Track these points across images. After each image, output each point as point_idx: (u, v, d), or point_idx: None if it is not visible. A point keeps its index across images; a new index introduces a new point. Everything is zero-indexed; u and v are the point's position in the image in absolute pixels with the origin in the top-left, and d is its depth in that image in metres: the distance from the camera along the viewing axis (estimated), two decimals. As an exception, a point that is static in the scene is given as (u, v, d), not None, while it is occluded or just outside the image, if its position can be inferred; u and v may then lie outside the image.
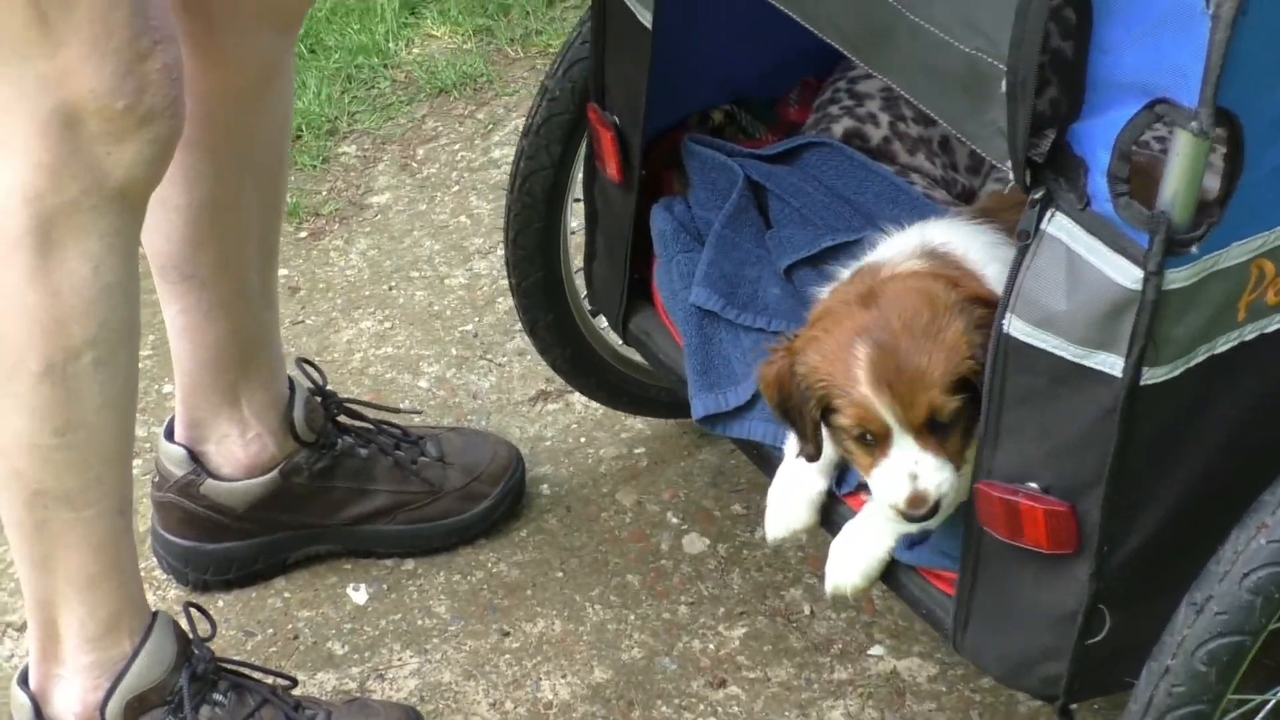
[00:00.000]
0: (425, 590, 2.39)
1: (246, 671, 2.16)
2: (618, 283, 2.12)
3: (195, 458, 2.32)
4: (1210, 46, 1.34)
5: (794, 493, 1.87)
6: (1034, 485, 1.61)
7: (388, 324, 2.82)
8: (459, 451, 2.42)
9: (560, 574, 2.40)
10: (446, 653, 2.31)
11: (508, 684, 2.27)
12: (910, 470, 1.70)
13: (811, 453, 1.78)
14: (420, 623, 2.35)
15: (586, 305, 2.34)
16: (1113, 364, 1.51)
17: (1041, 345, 1.54)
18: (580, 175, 2.23)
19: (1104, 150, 1.45)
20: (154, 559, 2.41)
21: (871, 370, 1.68)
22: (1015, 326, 1.55)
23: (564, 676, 2.27)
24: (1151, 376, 1.50)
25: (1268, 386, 1.57)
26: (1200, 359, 1.52)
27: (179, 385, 2.30)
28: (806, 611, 2.33)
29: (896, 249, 1.80)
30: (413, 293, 2.88)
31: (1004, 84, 1.46)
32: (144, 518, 2.43)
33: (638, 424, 2.59)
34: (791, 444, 1.86)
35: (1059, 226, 1.51)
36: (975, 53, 1.49)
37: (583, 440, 2.57)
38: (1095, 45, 1.44)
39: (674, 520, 2.45)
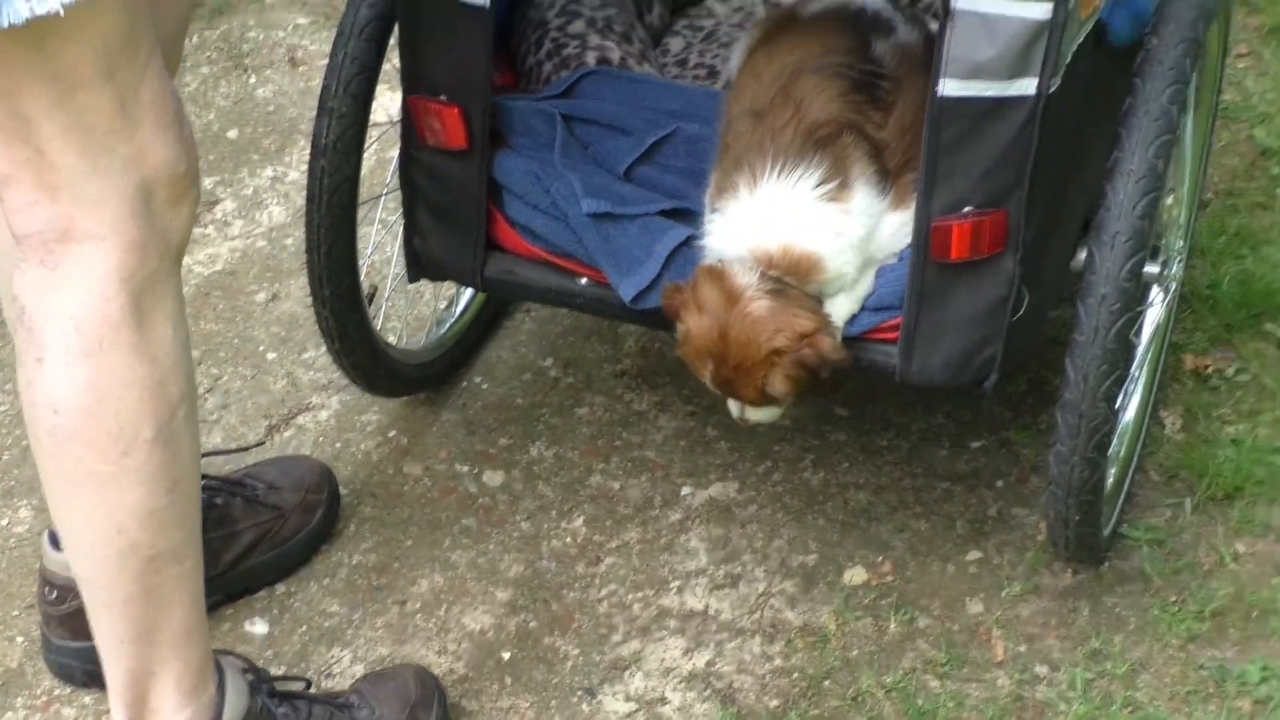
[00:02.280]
0: (311, 601, 2.60)
1: (283, 684, 2.32)
2: (470, 242, 2.46)
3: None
4: None
5: None
6: (968, 208, 2.22)
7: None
8: (282, 474, 2.64)
9: (409, 542, 2.68)
10: (367, 635, 2.55)
11: (435, 634, 2.55)
12: (740, 409, 2.36)
13: None
14: (327, 624, 2.56)
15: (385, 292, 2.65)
16: (1027, 85, 2.11)
17: (970, 94, 2.14)
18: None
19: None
20: (54, 676, 2.45)
21: (714, 383, 2.31)
22: (948, 88, 2.14)
23: (475, 609, 2.59)
24: (1052, 86, 2.16)
25: (1082, 83, 2.28)
26: (1065, 65, 2.20)
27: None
28: (616, 488, 2.77)
29: (741, 257, 2.26)
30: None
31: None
32: (10, 640, 2.45)
33: (372, 417, 2.89)
34: None
35: (966, 2, 2.13)
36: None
37: (339, 445, 2.83)
38: None
39: (463, 469, 2.80)
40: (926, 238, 2.22)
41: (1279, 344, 2.97)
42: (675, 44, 2.83)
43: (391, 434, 2.86)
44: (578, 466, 2.80)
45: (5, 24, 1.75)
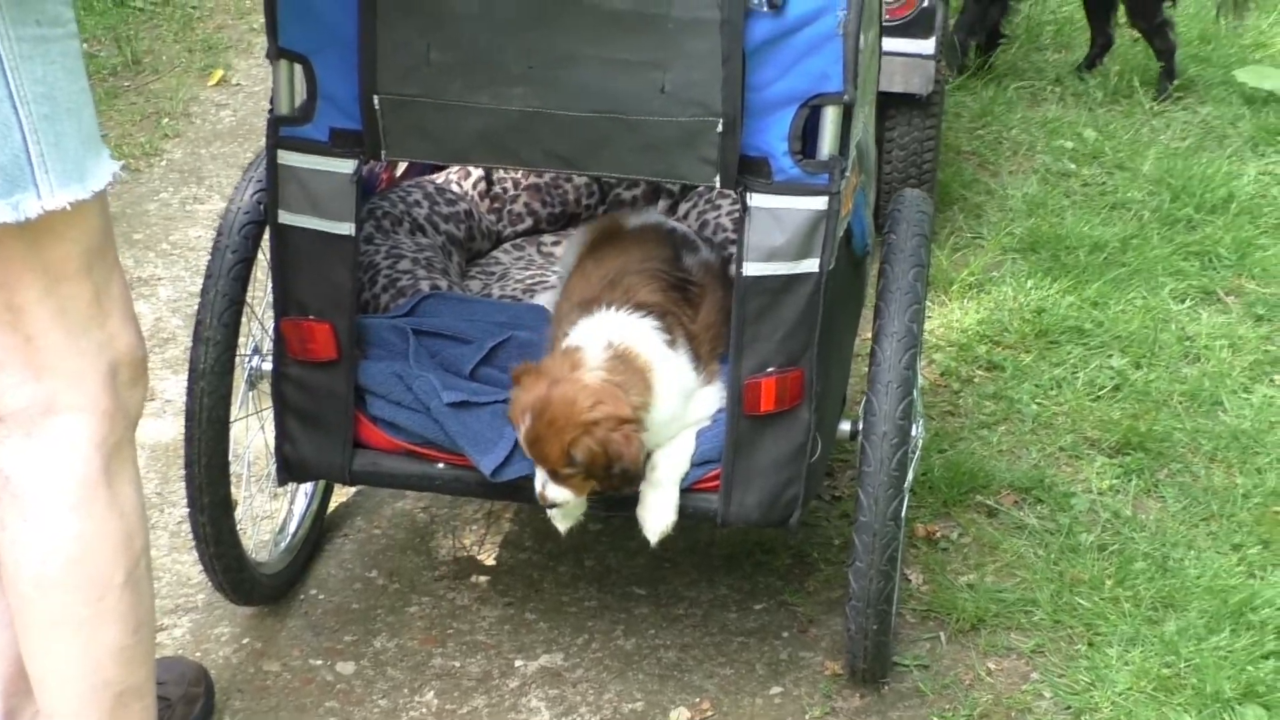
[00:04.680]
0: (202, 778, 2.86)
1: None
2: (338, 442, 2.82)
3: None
4: (844, 52, 2.59)
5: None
6: (771, 368, 2.72)
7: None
8: (165, 670, 2.89)
9: (282, 723, 2.98)
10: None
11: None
12: (542, 484, 2.72)
13: None
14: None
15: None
16: (812, 264, 2.64)
17: (767, 272, 2.64)
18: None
19: (781, 142, 2.63)
20: None
21: (526, 436, 2.68)
22: (749, 268, 2.64)
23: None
24: (827, 264, 2.70)
25: (840, 273, 2.81)
26: (835, 249, 2.74)
27: (0, 675, 2.60)
28: (458, 665, 3.12)
29: (594, 344, 2.71)
30: None
31: (719, 128, 2.60)
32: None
33: (224, 629, 3.17)
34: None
35: (759, 200, 2.61)
36: (692, 119, 2.59)
37: (198, 654, 3.10)
38: (750, 88, 2.61)
39: (316, 662, 3.11)
40: (739, 394, 2.71)
41: (989, 512, 3.54)
42: (475, 286, 3.30)
43: (245, 640, 3.15)
44: (419, 653, 3.14)
45: (22, 218, 2.11)
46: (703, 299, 2.89)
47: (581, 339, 2.75)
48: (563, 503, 2.75)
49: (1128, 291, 4.41)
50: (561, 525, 2.83)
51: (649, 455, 2.77)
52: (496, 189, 3.48)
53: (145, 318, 4.16)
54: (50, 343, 2.21)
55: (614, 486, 2.74)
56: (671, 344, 2.76)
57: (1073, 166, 5.23)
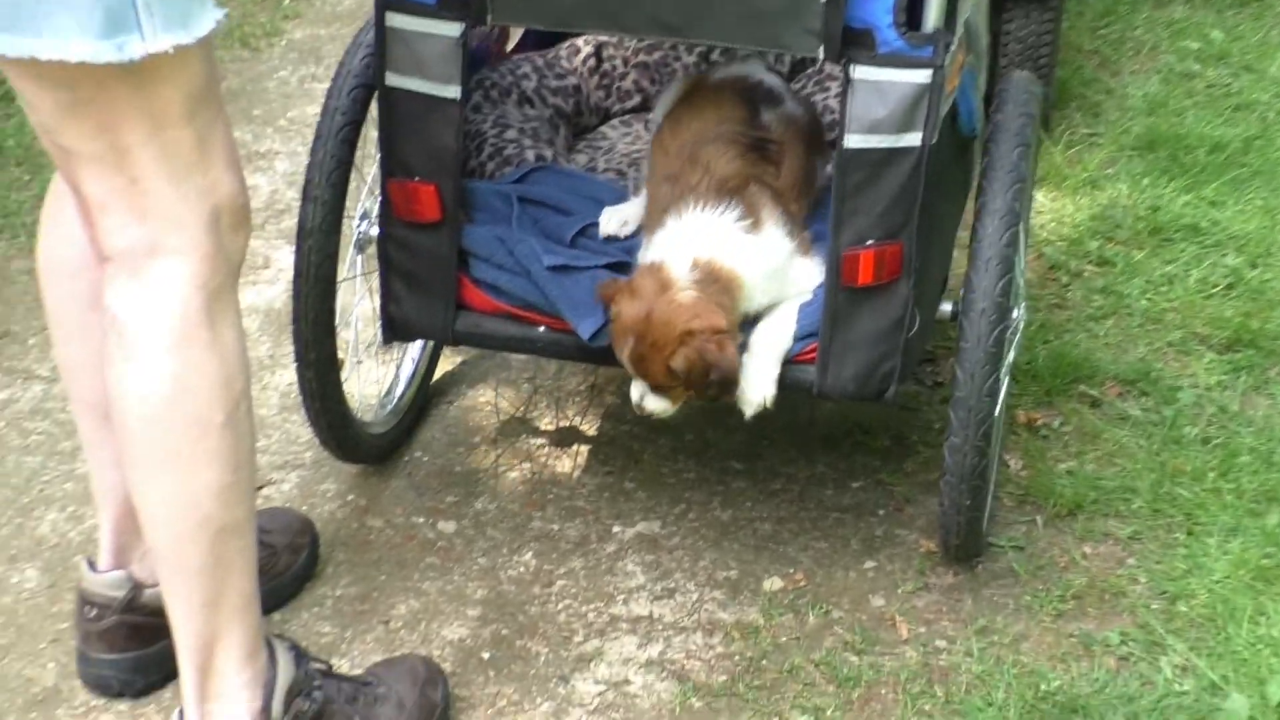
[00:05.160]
0: (305, 625, 2.93)
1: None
2: (442, 302, 2.87)
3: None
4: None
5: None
6: (870, 241, 2.73)
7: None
8: (271, 520, 2.98)
9: (383, 577, 3.04)
10: (360, 648, 2.89)
11: (419, 644, 2.90)
12: (640, 396, 2.78)
13: None
14: (323, 641, 2.90)
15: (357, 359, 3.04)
16: (913, 138, 2.64)
17: (869, 145, 2.65)
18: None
19: (886, 14, 2.62)
20: (90, 689, 2.74)
21: (630, 355, 2.73)
22: (851, 141, 2.65)
23: (451, 624, 2.95)
24: (930, 140, 2.70)
25: (944, 150, 2.81)
26: (939, 125, 2.74)
27: (109, 514, 2.69)
28: (556, 529, 3.18)
29: (678, 257, 2.73)
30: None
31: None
32: (43, 666, 2.75)
33: (330, 486, 3.25)
34: None
35: (862, 72, 2.62)
36: (796, -14, 2.61)
37: (304, 508, 3.17)
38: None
39: (419, 520, 3.18)
40: (838, 266, 2.72)
41: (1092, 403, 3.52)
42: (580, 159, 3.33)
43: (350, 497, 3.22)
44: (519, 515, 3.19)
45: (126, 59, 2.16)
46: (783, 155, 2.89)
47: (665, 254, 2.77)
48: (660, 412, 2.81)
49: (1247, 192, 4.36)
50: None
51: (750, 327, 2.80)
52: (605, 66, 3.49)
53: (261, 190, 4.24)
54: (154, 186, 2.26)
55: (711, 396, 2.78)
56: (756, 225, 2.77)
57: (1197, 67, 5.16)
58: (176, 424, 2.32)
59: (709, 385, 2.73)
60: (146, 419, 2.32)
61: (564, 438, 3.39)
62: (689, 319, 2.69)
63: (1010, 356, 2.97)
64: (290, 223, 4.04)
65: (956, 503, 2.87)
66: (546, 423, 3.44)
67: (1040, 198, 4.26)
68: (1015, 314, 2.97)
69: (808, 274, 2.84)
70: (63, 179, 2.36)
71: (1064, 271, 4.01)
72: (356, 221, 3.04)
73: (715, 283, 2.73)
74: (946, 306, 2.97)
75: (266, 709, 2.49)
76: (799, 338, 2.80)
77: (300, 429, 3.34)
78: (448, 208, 2.82)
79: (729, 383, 2.74)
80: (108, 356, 2.34)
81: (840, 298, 2.74)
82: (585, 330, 2.79)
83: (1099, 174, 4.43)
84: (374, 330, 3.06)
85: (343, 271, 2.99)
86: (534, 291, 2.84)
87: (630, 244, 2.91)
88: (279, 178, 4.33)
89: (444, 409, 3.47)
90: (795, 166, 2.90)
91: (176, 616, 2.43)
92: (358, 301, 3.19)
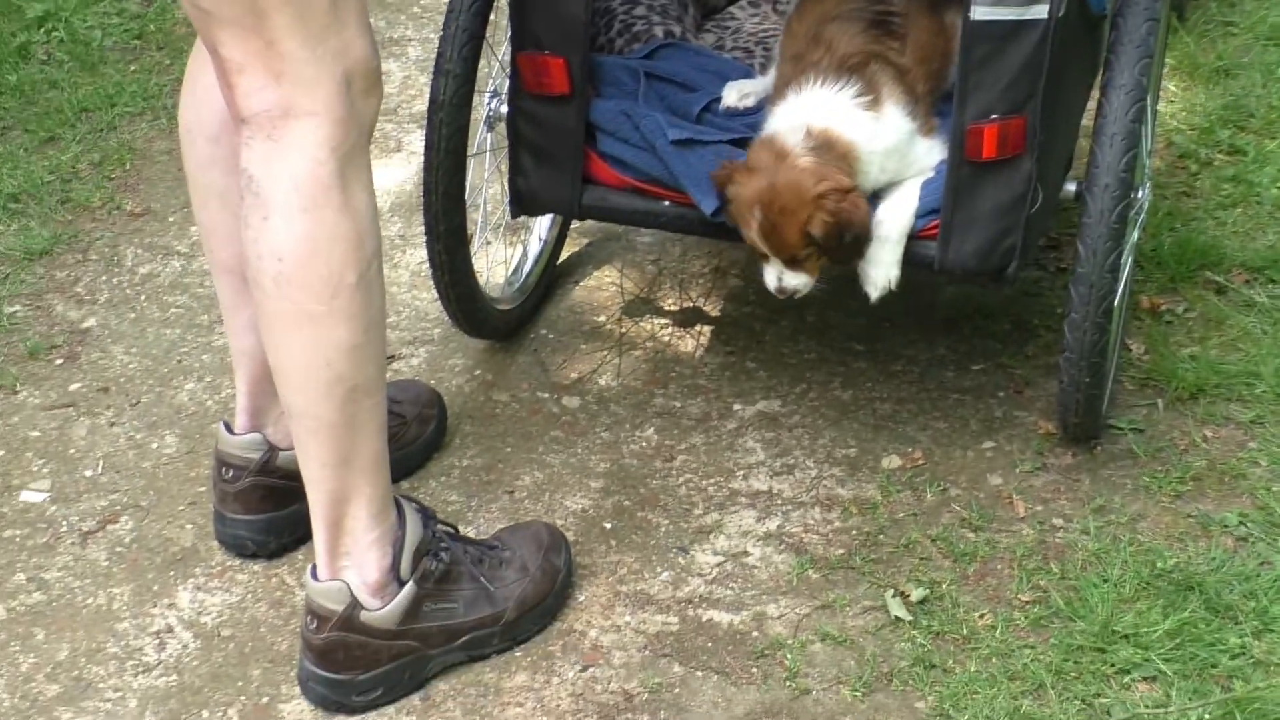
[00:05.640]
0: (432, 493, 3.01)
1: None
2: (569, 176, 2.92)
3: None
4: None
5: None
6: (995, 115, 2.74)
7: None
8: (401, 391, 3.06)
9: (508, 449, 3.11)
10: (485, 517, 2.97)
11: (543, 513, 2.97)
12: (777, 276, 2.80)
13: None
14: (450, 510, 2.98)
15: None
16: (1040, 10, 2.65)
17: (996, 17, 2.65)
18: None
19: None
20: (225, 550, 2.84)
21: (759, 229, 2.74)
22: (977, 12, 2.65)
23: (574, 495, 3.01)
24: (1057, 12, 2.70)
25: (1073, 26, 2.80)
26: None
27: (245, 378, 2.78)
28: (678, 406, 3.23)
29: (792, 128, 2.76)
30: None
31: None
32: (181, 527, 2.84)
33: (457, 361, 3.32)
34: None
35: None
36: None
37: (432, 381, 3.24)
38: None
39: (544, 395, 3.24)
40: (961, 140, 2.73)
41: (1218, 289, 3.51)
42: (708, 39, 3.35)
43: (477, 372, 3.30)
44: (641, 392, 3.25)
45: None
46: (908, 29, 2.90)
47: (779, 126, 2.79)
48: (801, 288, 2.83)
49: (1388, 83, 4.29)
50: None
51: (873, 206, 2.82)
52: (736, -52, 3.51)
53: (395, 75, 4.30)
54: (289, 48, 2.31)
55: (847, 258, 2.80)
56: (875, 103, 2.78)
57: (1338, -43, 5.06)
58: (309, 284, 2.39)
59: (844, 248, 2.75)
60: (281, 278, 2.38)
61: (687, 318, 3.44)
62: (816, 182, 2.70)
63: (1134, 237, 2.97)
64: (421, 107, 4.10)
65: (1076, 380, 2.88)
66: (670, 303, 3.48)
67: (1171, 86, 4.22)
68: (1140, 194, 2.97)
69: (930, 153, 2.85)
70: (202, 43, 2.42)
71: (1193, 160, 3.97)
72: (487, 99, 3.09)
73: (831, 150, 2.74)
74: (1071, 187, 2.96)
75: (395, 566, 2.56)
76: (921, 214, 2.82)
77: (430, 305, 3.41)
78: (576, 82, 2.86)
79: (863, 240, 2.76)
80: (244, 218, 2.40)
81: (963, 172, 2.75)
82: (708, 206, 2.83)
83: (1233, 62, 4.37)
84: (502, 211, 3.11)
85: (472, 149, 3.04)
86: (659, 166, 2.87)
87: (755, 120, 2.93)
88: (411, 64, 4.39)
89: (570, 289, 3.52)
90: (922, 40, 2.89)
91: (309, 474, 2.51)
92: (487, 179, 3.24)
